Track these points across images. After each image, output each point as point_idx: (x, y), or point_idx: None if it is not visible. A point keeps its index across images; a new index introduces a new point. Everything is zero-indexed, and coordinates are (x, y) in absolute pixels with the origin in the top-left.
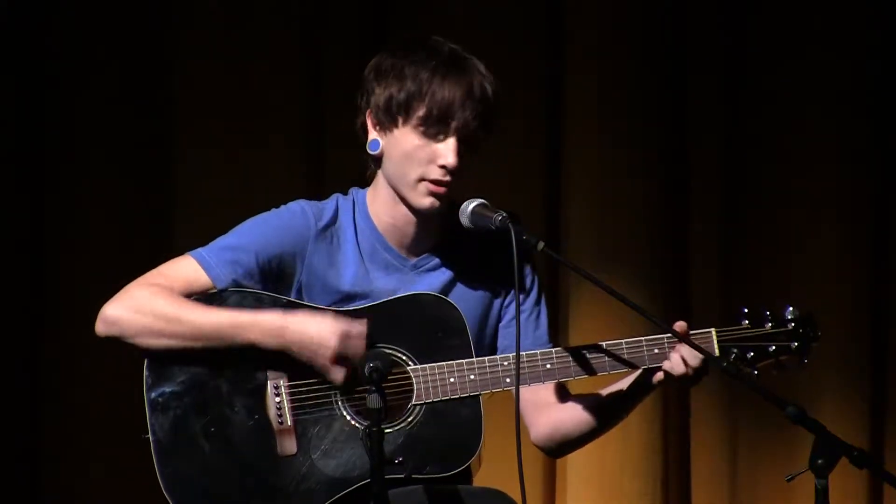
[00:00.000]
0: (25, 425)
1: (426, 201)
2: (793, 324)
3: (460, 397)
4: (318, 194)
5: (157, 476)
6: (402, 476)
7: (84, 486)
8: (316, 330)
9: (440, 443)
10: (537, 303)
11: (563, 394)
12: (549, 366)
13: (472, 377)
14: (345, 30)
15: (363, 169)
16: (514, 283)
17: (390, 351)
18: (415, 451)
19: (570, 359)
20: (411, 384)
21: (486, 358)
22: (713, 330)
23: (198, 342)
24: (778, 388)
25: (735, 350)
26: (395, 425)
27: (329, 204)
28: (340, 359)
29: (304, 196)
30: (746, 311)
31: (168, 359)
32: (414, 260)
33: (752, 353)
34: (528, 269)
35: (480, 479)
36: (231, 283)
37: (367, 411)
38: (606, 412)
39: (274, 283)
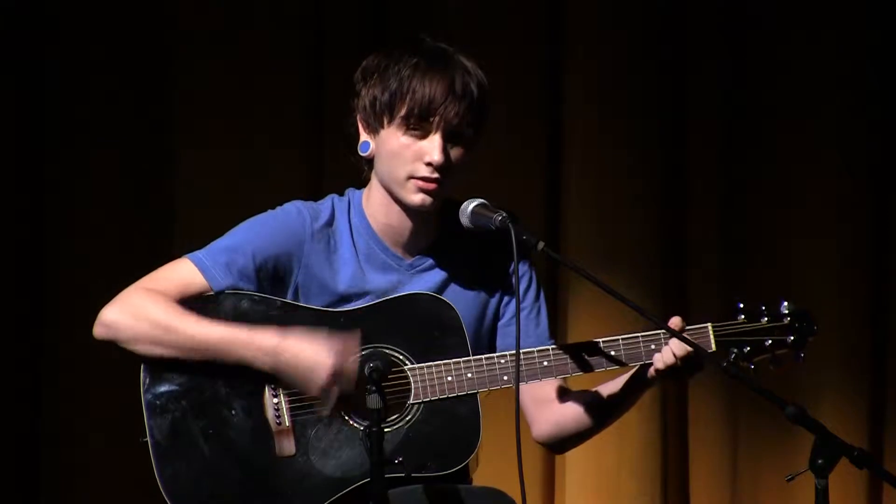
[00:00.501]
0: (25, 425)
1: (417, 198)
2: (788, 318)
3: (458, 396)
4: (318, 194)
5: (156, 478)
6: (401, 475)
7: (84, 486)
8: (309, 359)
9: (439, 441)
10: (537, 301)
11: (563, 390)
12: (546, 363)
13: (469, 375)
14: (345, 30)
15: (360, 170)
16: (513, 282)
17: (388, 351)
18: (413, 449)
19: (567, 356)
20: (409, 383)
21: (483, 356)
22: (710, 325)
23: (191, 354)
24: (778, 387)
25: (735, 350)
26: (394, 424)
27: (325, 205)
28: (332, 389)
29: (303, 196)
30: (742, 305)
31: (165, 361)
32: (410, 260)
33: (748, 348)
34: (526, 268)
35: (480, 479)
36: (228, 285)
37: (367, 411)
38: (606, 407)
39: (271, 284)
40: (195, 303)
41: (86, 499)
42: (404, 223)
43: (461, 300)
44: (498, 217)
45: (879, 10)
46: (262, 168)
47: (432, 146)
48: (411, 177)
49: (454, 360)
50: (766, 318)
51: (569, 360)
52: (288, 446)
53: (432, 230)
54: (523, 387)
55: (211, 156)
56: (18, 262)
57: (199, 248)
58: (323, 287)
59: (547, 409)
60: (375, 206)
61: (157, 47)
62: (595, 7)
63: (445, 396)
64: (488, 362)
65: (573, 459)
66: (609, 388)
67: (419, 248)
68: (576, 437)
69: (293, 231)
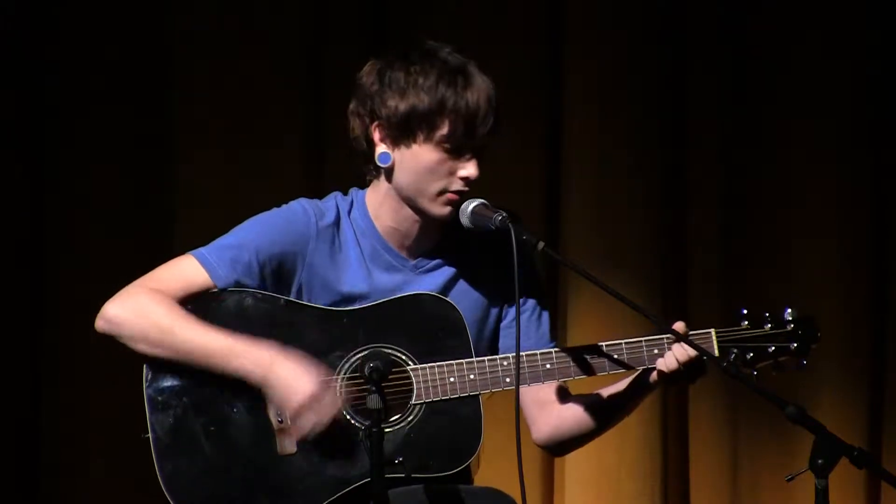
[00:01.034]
0: (25, 425)
1: (445, 210)
2: (792, 325)
3: (460, 397)
4: (318, 195)
5: (157, 475)
6: (402, 476)
7: (84, 486)
8: (294, 380)
9: (440, 442)
10: (539, 302)
11: (564, 393)
12: (548, 366)
13: (471, 377)
14: (345, 30)
15: (363, 172)
16: (515, 282)
17: (390, 351)
18: (414, 450)
19: (570, 359)
20: (411, 384)
21: (485, 358)
22: (713, 330)
23: (189, 359)
24: (778, 388)
25: (735, 350)
26: (395, 425)
27: (329, 203)
28: (303, 416)
29: (303, 196)
30: (746, 312)
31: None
32: (414, 260)
33: (751, 354)
34: (528, 269)
35: (480, 479)
36: (232, 282)
37: (367, 411)
38: (607, 411)
39: (274, 282)
40: (199, 300)
41: (86, 499)
42: (412, 228)
43: (464, 301)
44: (498, 217)
45: (879, 10)
46: (262, 168)
47: (469, 162)
48: (444, 191)
49: (457, 361)
50: (769, 325)
51: (571, 364)
52: (289, 445)
53: (437, 232)
54: (524, 388)
55: (211, 156)
56: (18, 261)
57: (201, 247)
58: (326, 286)
59: (547, 411)
60: (384, 211)
61: (157, 48)
62: (595, 7)
63: (448, 397)
64: (491, 364)
65: (573, 460)
66: (610, 391)
67: (423, 248)
68: (575, 440)
69: (298, 229)
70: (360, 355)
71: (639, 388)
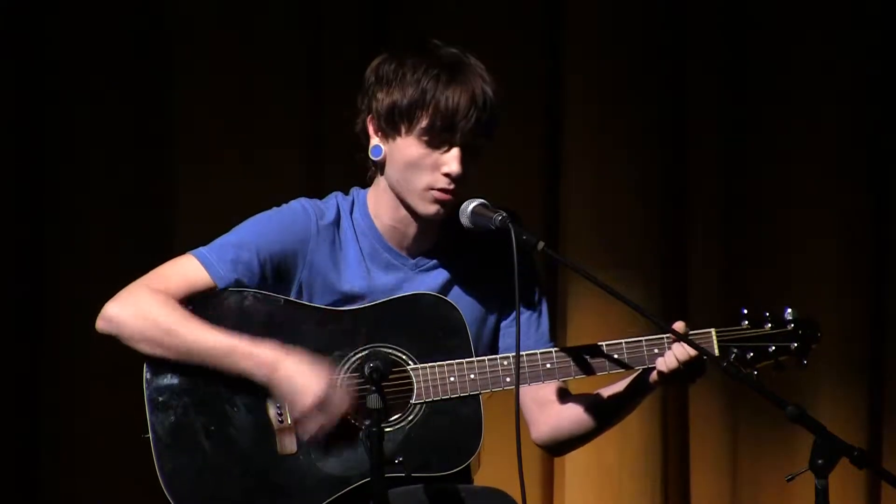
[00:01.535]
0: (26, 424)
1: (432, 209)
2: (792, 325)
3: (460, 396)
4: (318, 195)
5: (157, 474)
6: (402, 475)
7: (84, 486)
8: (302, 382)
9: (440, 442)
10: (539, 302)
11: (564, 393)
12: (549, 365)
13: (472, 376)
14: (345, 30)
15: (363, 169)
16: (515, 282)
17: (390, 350)
18: (415, 450)
19: (570, 359)
20: (411, 383)
21: (486, 357)
22: (713, 330)
23: (191, 359)
24: (778, 387)
25: (735, 350)
26: (395, 424)
27: (329, 203)
28: (312, 416)
29: (303, 196)
30: (746, 311)
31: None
32: (414, 260)
33: (751, 354)
34: (528, 269)
35: (480, 479)
36: (232, 281)
37: (367, 411)
38: (607, 411)
39: (275, 281)
40: (199, 301)
41: (86, 499)
42: (410, 226)
43: (464, 300)
44: (498, 217)
45: (879, 10)
46: (262, 168)
47: (451, 158)
48: (430, 188)
49: (457, 360)
50: (769, 325)
51: (571, 363)
52: (289, 444)
53: (436, 230)
54: (524, 388)
55: (211, 156)
56: (18, 262)
57: (201, 246)
58: (327, 285)
59: (547, 410)
60: (382, 208)
61: (157, 48)
62: (595, 8)
63: (448, 397)
64: (491, 363)
65: (574, 459)
66: (610, 391)
67: (423, 247)
68: (575, 440)
69: (299, 229)
70: (360, 355)
71: (638, 388)
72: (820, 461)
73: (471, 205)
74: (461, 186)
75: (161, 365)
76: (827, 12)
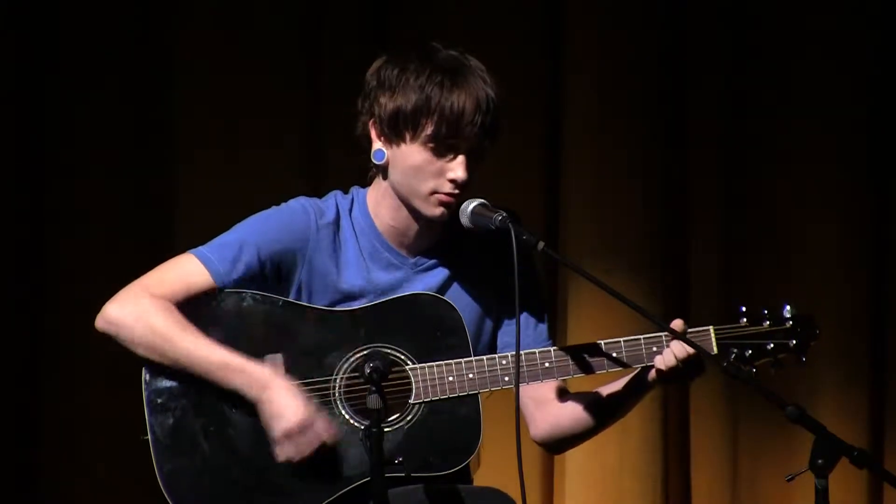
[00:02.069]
0: (25, 425)
1: (437, 211)
2: (791, 322)
3: (459, 396)
4: (318, 195)
5: (157, 475)
6: (401, 475)
7: (84, 486)
8: (284, 405)
9: (439, 441)
10: (537, 302)
11: (562, 391)
12: (547, 364)
13: (470, 376)
14: (345, 30)
15: (363, 169)
16: (514, 281)
17: (389, 350)
18: (414, 449)
19: (569, 357)
20: (410, 383)
21: (484, 357)
22: (711, 328)
23: (186, 368)
24: (778, 386)
25: (734, 348)
26: (394, 424)
27: (329, 202)
28: (285, 441)
29: (303, 195)
30: (744, 309)
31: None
32: (413, 259)
33: (750, 352)
34: (527, 268)
35: (480, 479)
36: (232, 280)
37: (367, 411)
38: (606, 409)
39: (275, 280)
40: (198, 301)
41: (86, 499)
42: (411, 227)
43: (463, 299)
44: (498, 217)
45: (879, 10)
46: (262, 168)
47: (457, 164)
48: (434, 192)
49: (456, 360)
50: (768, 322)
51: (570, 362)
52: None
53: (436, 231)
54: (523, 387)
55: (211, 156)
56: (18, 262)
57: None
58: (327, 285)
59: (546, 409)
60: (383, 209)
61: (157, 47)
62: (595, 7)
63: (447, 396)
64: (489, 363)
65: (575, 459)
66: (609, 389)
67: (423, 247)
68: (574, 438)
69: (299, 228)
70: (359, 355)
71: (637, 386)
72: (820, 461)
73: (471, 205)
74: (467, 190)
75: (160, 366)
76: (827, 12)
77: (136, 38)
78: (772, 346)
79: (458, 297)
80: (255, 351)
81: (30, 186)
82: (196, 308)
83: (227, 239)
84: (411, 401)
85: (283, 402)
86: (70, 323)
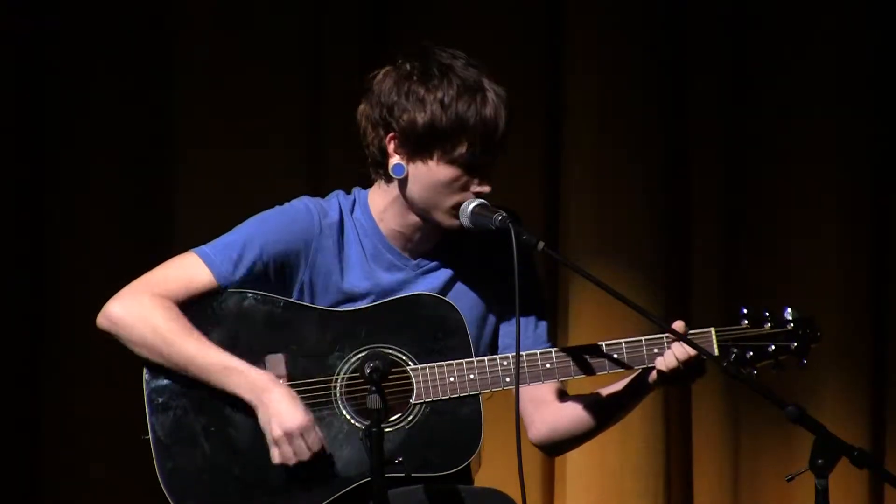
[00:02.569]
0: (25, 426)
1: (456, 223)
2: (792, 324)
3: (460, 397)
4: (318, 195)
5: (157, 475)
6: (401, 475)
7: (84, 486)
8: (282, 410)
9: (440, 442)
10: (538, 301)
11: (561, 392)
12: (548, 365)
13: (471, 377)
14: (345, 30)
15: (364, 171)
16: (514, 282)
17: (390, 351)
18: (414, 450)
19: (570, 358)
20: (411, 384)
21: (485, 358)
22: (712, 330)
23: (185, 370)
24: (778, 387)
25: (735, 350)
26: (395, 424)
27: (332, 202)
28: (282, 444)
29: (304, 195)
30: (746, 311)
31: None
32: (415, 260)
33: (751, 353)
34: (528, 268)
35: (480, 479)
36: (235, 280)
37: (367, 411)
38: (605, 411)
39: (277, 280)
40: (200, 301)
41: (86, 499)
42: (416, 232)
43: (465, 299)
44: (498, 217)
45: (879, 10)
46: (262, 168)
47: (484, 178)
48: (458, 205)
49: (457, 361)
50: (769, 324)
51: (571, 363)
52: None
53: (437, 233)
54: (523, 388)
55: (211, 156)
56: (18, 262)
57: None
58: (329, 285)
59: (544, 410)
60: (389, 215)
61: (157, 47)
62: (595, 7)
63: (448, 397)
64: (490, 364)
65: (575, 459)
66: (609, 391)
67: (424, 248)
68: (572, 440)
69: (302, 228)
70: (359, 355)
71: (637, 388)
72: (820, 461)
73: (471, 205)
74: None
75: (161, 366)
76: (827, 12)
77: (137, 39)
78: (773, 348)
79: (459, 298)
80: (257, 351)
81: (30, 187)
82: (198, 308)
83: (230, 239)
84: (412, 401)
85: (281, 407)
86: (70, 323)
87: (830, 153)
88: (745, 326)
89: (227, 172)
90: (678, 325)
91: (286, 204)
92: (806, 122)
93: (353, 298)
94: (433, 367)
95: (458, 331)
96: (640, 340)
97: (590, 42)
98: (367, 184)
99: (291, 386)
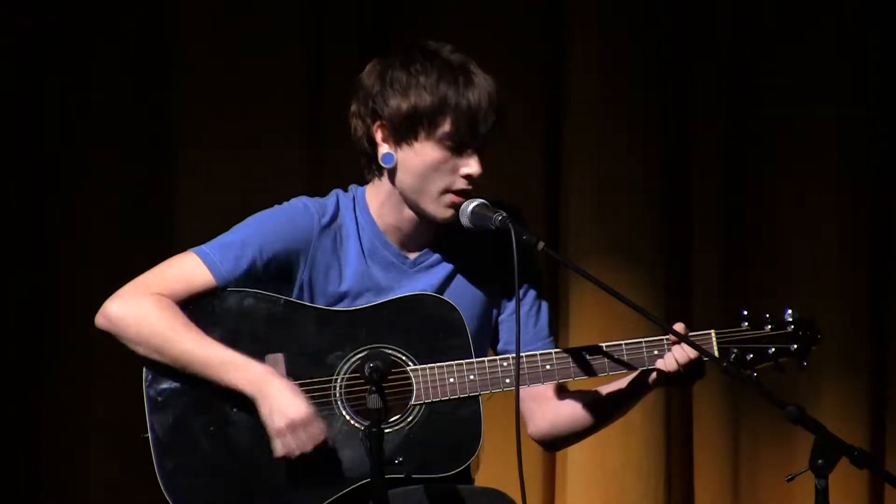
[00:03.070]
0: (25, 425)
1: (448, 213)
2: (792, 326)
3: (460, 397)
4: (317, 194)
5: (156, 475)
6: (401, 476)
7: (84, 485)
8: (284, 402)
9: (440, 443)
10: (537, 297)
11: (561, 388)
12: (548, 367)
13: (471, 377)
14: (345, 30)
15: (361, 169)
16: (514, 280)
17: (390, 351)
18: (414, 451)
19: (570, 360)
20: (411, 384)
21: (485, 358)
22: (713, 332)
23: (186, 367)
24: (778, 387)
25: (735, 351)
26: (395, 425)
27: (330, 200)
28: (283, 437)
29: (304, 194)
30: (746, 313)
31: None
32: (413, 257)
33: (751, 355)
34: (527, 264)
35: (480, 479)
36: (234, 280)
37: (367, 411)
38: (604, 409)
39: (277, 279)
40: (199, 301)
41: (86, 499)
42: (413, 226)
43: (463, 297)
44: (498, 217)
45: (879, 10)
46: (262, 168)
47: (471, 159)
48: (447, 190)
49: (456, 361)
50: (769, 326)
51: (571, 364)
52: None
53: (435, 230)
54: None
55: (211, 156)
56: (18, 262)
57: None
58: (327, 283)
59: (544, 406)
60: (385, 209)
61: (157, 47)
62: (595, 7)
63: (447, 398)
64: (490, 364)
65: (576, 460)
66: (609, 389)
67: (422, 245)
68: (571, 437)
69: (301, 227)
70: (359, 356)
71: (637, 387)
72: (820, 461)
73: (471, 205)
74: (476, 187)
75: (161, 365)
76: (827, 12)
77: (137, 39)
78: (773, 350)
79: (457, 296)
80: (257, 350)
81: (30, 186)
82: (197, 307)
83: (229, 238)
84: (412, 402)
85: (283, 399)
86: (70, 323)
87: (830, 153)
88: (745, 328)
89: (226, 172)
90: (679, 327)
91: (285, 203)
92: (806, 122)
93: (350, 296)
94: (433, 367)
95: (458, 331)
96: (641, 342)
97: (590, 42)
98: (363, 181)
99: None
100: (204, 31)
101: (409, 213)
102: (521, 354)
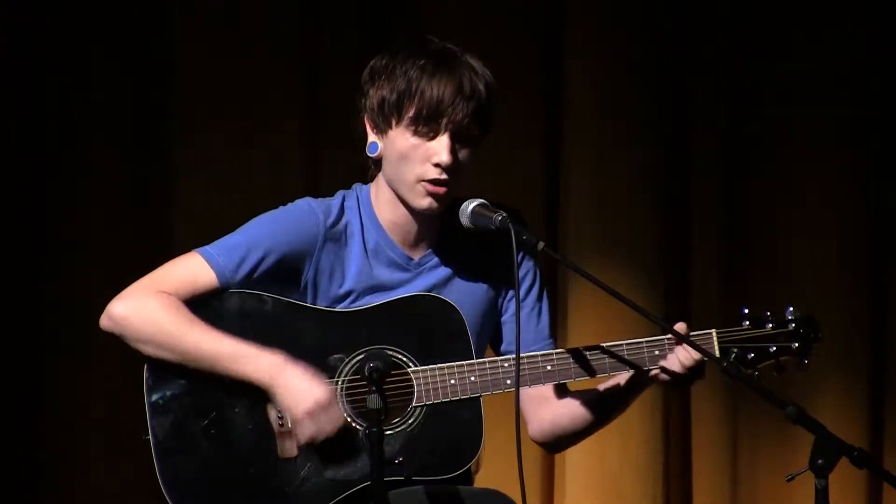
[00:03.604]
0: (25, 425)
1: (425, 202)
2: (793, 324)
3: (461, 399)
4: (317, 194)
5: (157, 477)
6: (402, 478)
7: (83, 486)
8: (302, 388)
9: (440, 445)
10: (539, 297)
11: (560, 389)
12: (549, 367)
13: (472, 379)
14: (345, 30)
15: (363, 168)
16: (515, 280)
17: (391, 352)
18: (415, 452)
19: (571, 360)
20: (412, 386)
21: (486, 360)
22: (714, 331)
23: (196, 363)
24: (778, 386)
25: (735, 350)
26: (396, 427)
27: (335, 201)
28: (306, 424)
29: (304, 194)
30: (747, 311)
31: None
32: (417, 257)
33: (752, 354)
34: (528, 265)
35: (480, 479)
36: (238, 281)
37: (367, 412)
38: (604, 408)
39: (281, 281)
40: (202, 301)
41: (85, 499)
42: (410, 222)
43: (465, 297)
44: (498, 217)
45: (879, 10)
46: (262, 168)
47: (441, 147)
48: (420, 179)
49: (457, 363)
50: (770, 325)
51: (572, 365)
52: (290, 448)
53: (436, 228)
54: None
55: (211, 156)
56: (18, 261)
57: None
58: (332, 284)
59: (544, 407)
60: (383, 204)
61: (157, 47)
62: (595, 7)
63: (448, 399)
64: (491, 366)
65: (575, 461)
66: (608, 386)
67: (425, 245)
68: (572, 436)
69: (306, 228)
70: (360, 357)
71: (636, 385)
72: (820, 461)
73: (471, 205)
74: (454, 178)
75: (162, 367)
76: (827, 12)
77: (137, 39)
78: (774, 348)
79: (459, 297)
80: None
81: (30, 185)
82: (200, 307)
83: (234, 240)
84: (413, 404)
85: (300, 385)
86: (70, 323)
87: (830, 153)
88: (746, 327)
89: (226, 172)
90: (679, 327)
91: (289, 205)
92: (806, 121)
93: (354, 297)
94: (433, 369)
95: (459, 332)
96: (641, 343)
97: (590, 42)
98: (366, 181)
99: None
100: (204, 31)
101: (403, 208)
102: (522, 355)
